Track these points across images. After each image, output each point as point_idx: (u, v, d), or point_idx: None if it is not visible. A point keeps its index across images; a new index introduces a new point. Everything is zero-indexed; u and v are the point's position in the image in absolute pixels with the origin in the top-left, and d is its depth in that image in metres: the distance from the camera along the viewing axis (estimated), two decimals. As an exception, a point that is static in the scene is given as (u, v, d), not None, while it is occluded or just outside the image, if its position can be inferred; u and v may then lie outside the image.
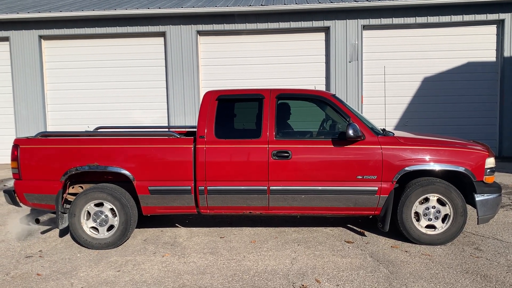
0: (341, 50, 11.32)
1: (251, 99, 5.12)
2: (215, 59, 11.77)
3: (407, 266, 4.15)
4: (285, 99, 5.13)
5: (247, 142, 4.87)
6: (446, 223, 4.70)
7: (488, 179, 4.74)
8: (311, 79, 11.55)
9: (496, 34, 11.08)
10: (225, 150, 4.86)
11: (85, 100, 11.97)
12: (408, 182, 4.82)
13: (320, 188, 4.79)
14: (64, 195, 5.01)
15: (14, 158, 5.01)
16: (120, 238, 4.89)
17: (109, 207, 4.90)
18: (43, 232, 5.55)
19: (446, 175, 4.83)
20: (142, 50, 11.81)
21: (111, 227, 4.92)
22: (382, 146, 4.72)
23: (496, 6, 10.78)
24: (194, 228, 5.58)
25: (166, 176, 4.89)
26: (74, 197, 5.10)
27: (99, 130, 6.11)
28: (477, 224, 4.84)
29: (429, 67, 11.21)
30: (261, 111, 4.96)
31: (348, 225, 5.49)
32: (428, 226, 4.75)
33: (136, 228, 5.66)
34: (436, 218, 4.72)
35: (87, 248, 4.89)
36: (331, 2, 11.06)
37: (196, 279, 3.97)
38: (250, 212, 5.05)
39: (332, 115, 5.10)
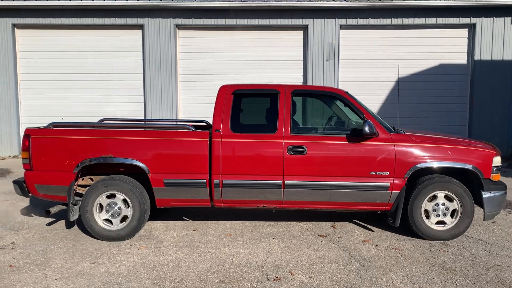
0: (319, 49, 11.47)
1: (267, 94, 5.17)
2: (194, 54, 11.74)
3: (378, 259, 4.30)
4: (300, 95, 5.21)
5: (262, 137, 4.94)
6: (455, 219, 4.85)
7: (494, 177, 4.92)
8: (289, 77, 11.66)
9: (468, 38, 11.44)
10: (240, 144, 4.90)
11: (59, 92, 11.74)
12: (418, 178, 4.95)
13: (334, 183, 4.87)
14: (74, 186, 4.95)
15: (25, 148, 4.94)
16: (134, 230, 4.89)
17: (122, 198, 4.89)
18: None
19: (453, 173, 4.99)
20: (119, 42, 11.66)
21: (124, 219, 4.91)
22: (395, 143, 4.84)
23: (468, 10, 11.12)
24: (170, 221, 5.60)
25: (181, 169, 4.90)
26: (83, 189, 5.08)
27: (103, 122, 5.97)
28: (483, 220, 5.01)
29: (403, 67, 11.47)
30: (276, 107, 5.01)
31: (321, 220, 5.63)
32: (437, 222, 4.88)
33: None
34: (445, 214, 4.86)
35: (100, 240, 4.87)
36: (310, 1, 11.18)
37: (172, 271, 4.01)
38: (264, 206, 5.09)
39: (344, 112, 5.17)
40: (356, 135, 4.85)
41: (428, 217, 4.88)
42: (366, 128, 4.66)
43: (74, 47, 11.68)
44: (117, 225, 4.89)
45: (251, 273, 3.95)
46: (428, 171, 4.95)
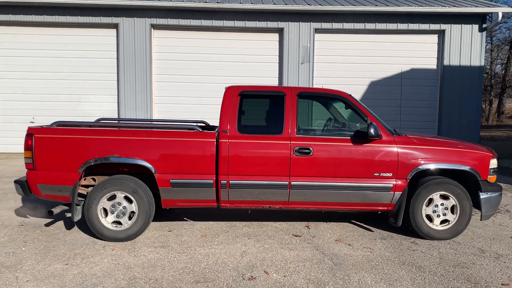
0: (294, 52, 11.60)
1: (273, 96, 5.21)
2: (169, 54, 11.68)
3: (350, 258, 4.40)
4: (305, 97, 5.25)
5: (269, 138, 4.98)
6: (454, 219, 5.02)
7: (491, 178, 5.11)
8: (265, 79, 11.75)
9: (438, 43, 11.80)
10: (247, 144, 4.94)
11: (31, 91, 11.48)
12: (419, 179, 5.07)
13: (339, 184, 4.95)
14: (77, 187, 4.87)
15: (28, 147, 4.82)
16: (139, 231, 4.87)
17: (128, 197, 4.85)
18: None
19: (452, 174, 5.15)
20: (93, 41, 11.49)
21: (130, 218, 4.88)
22: (397, 145, 4.97)
23: (438, 17, 11.49)
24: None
25: (188, 170, 4.88)
26: (85, 189, 5.00)
27: (101, 122, 5.84)
28: (480, 220, 5.21)
29: (375, 71, 11.74)
30: (282, 108, 5.06)
31: (296, 220, 5.71)
32: (441, 222, 5.02)
33: (85, 222, 5.57)
34: (445, 214, 5.01)
35: (105, 240, 4.81)
36: (285, 4, 11.30)
37: (147, 271, 4.00)
38: (270, 207, 5.12)
39: (349, 114, 5.24)
40: (361, 137, 4.96)
41: (430, 218, 5.03)
42: (372, 130, 4.78)
43: (46, 45, 11.44)
44: (125, 223, 4.86)
45: (226, 273, 3.98)
46: (429, 172, 5.11)
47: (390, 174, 4.95)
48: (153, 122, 5.70)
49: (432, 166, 4.99)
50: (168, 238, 4.97)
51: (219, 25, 11.49)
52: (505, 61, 30.06)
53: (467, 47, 11.63)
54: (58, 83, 11.50)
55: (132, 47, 11.41)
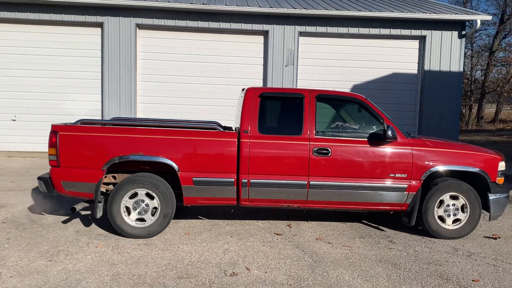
0: (278, 54, 11.74)
1: (292, 98, 5.35)
2: (155, 54, 11.69)
3: (329, 256, 4.55)
4: (323, 99, 5.39)
5: (289, 139, 5.12)
6: (464, 219, 5.22)
7: (499, 180, 5.35)
8: (249, 80, 11.84)
9: (419, 49, 12.07)
10: (268, 145, 5.08)
11: (13, 88, 11.34)
12: (431, 180, 5.25)
13: (356, 184, 5.12)
14: None
15: (52, 144, 4.87)
16: (160, 228, 4.98)
17: (150, 194, 4.94)
18: None
19: (462, 176, 5.35)
20: (78, 39, 11.41)
21: (153, 215, 4.98)
22: (412, 147, 5.17)
23: (419, 23, 11.76)
24: (128, 220, 5.62)
25: (210, 168, 5.01)
26: (106, 186, 5.09)
27: (115, 121, 5.81)
28: (489, 220, 5.42)
29: (358, 75, 11.95)
30: (301, 110, 5.20)
31: (278, 219, 5.83)
32: (448, 222, 5.22)
33: (68, 219, 5.60)
34: (455, 214, 5.22)
35: (127, 237, 4.89)
36: (271, 7, 11.43)
37: (130, 268, 4.07)
38: (288, 206, 5.24)
39: (365, 116, 5.37)
40: (377, 139, 5.14)
41: (442, 218, 5.23)
42: (389, 132, 4.96)
43: (30, 42, 11.33)
44: (148, 220, 4.96)
45: (209, 269, 4.08)
46: (442, 174, 5.30)
47: (405, 175, 5.14)
48: (166, 122, 5.81)
49: (445, 168, 5.21)
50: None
51: (204, 26, 11.55)
52: (485, 67, 30.78)
53: (447, 53, 11.93)
54: (42, 81, 11.39)
55: (117, 47, 11.39)
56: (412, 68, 12.08)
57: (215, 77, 11.73)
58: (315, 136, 5.13)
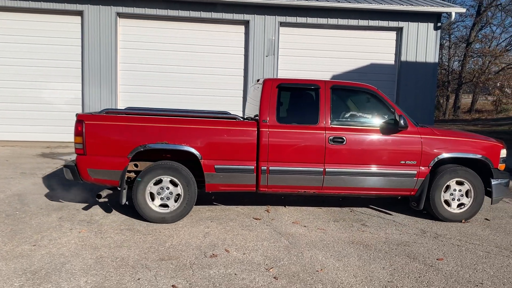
0: (260, 44, 11.88)
1: (308, 89, 5.55)
2: (136, 43, 11.70)
3: (305, 238, 4.78)
4: (338, 90, 5.59)
5: (306, 128, 5.35)
6: (468, 203, 5.55)
7: (501, 166, 5.68)
8: (230, 70, 11.99)
9: (396, 40, 12.38)
10: (286, 133, 5.31)
11: (-10, 76, 11.24)
12: (438, 167, 5.53)
13: (369, 170, 5.40)
14: None
15: (78, 133, 5.02)
16: (183, 213, 5.18)
17: (174, 181, 5.14)
18: None
19: (466, 162, 5.65)
20: (57, 28, 11.34)
21: (176, 201, 5.18)
22: (421, 136, 5.45)
23: (396, 14, 12.04)
24: (110, 207, 5.74)
25: (231, 156, 5.22)
26: (128, 174, 5.26)
27: (129, 110, 5.98)
28: (491, 204, 5.75)
29: (337, 65, 12.20)
30: (317, 100, 5.43)
31: (257, 204, 6.04)
32: (454, 206, 5.55)
33: (50, 206, 5.70)
34: (459, 200, 5.55)
35: (150, 222, 5.11)
36: (252, -4, 11.54)
37: (113, 251, 4.22)
38: (305, 192, 5.47)
39: (377, 106, 5.58)
40: (389, 128, 5.40)
41: (447, 203, 5.56)
42: (402, 122, 5.28)
43: (8, 30, 11.21)
44: (169, 207, 5.14)
45: (189, 252, 4.26)
46: (449, 160, 5.59)
47: (414, 162, 5.43)
48: (180, 112, 6.03)
49: (452, 155, 5.52)
50: (133, 221, 5.18)
51: (185, 15, 11.59)
52: (462, 58, 31.45)
53: (423, 45, 12.26)
54: (20, 69, 11.30)
55: (97, 35, 11.35)
56: (390, 59, 12.38)
57: (197, 67, 11.83)
58: (330, 125, 5.37)
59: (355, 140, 5.38)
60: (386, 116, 5.52)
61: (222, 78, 11.99)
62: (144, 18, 11.67)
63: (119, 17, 11.55)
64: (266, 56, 11.90)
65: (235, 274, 3.76)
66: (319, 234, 4.94)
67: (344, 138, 5.34)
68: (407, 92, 12.32)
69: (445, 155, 5.49)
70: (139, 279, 3.62)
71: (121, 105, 11.72)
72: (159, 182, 5.15)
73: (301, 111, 5.57)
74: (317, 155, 5.32)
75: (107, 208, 5.69)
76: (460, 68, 31.59)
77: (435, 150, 5.46)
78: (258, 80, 5.98)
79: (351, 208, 6.10)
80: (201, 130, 5.20)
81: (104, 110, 5.41)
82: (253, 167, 5.26)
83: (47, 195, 6.22)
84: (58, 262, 3.91)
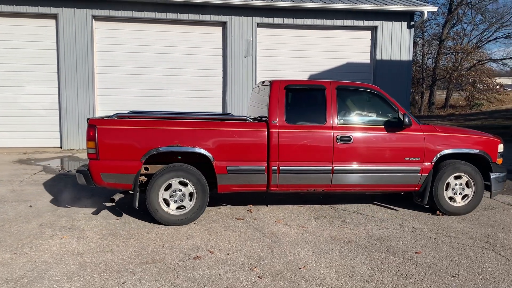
0: (237, 45, 11.93)
1: (315, 89, 5.64)
2: (112, 46, 11.59)
3: (287, 236, 4.86)
4: (343, 90, 5.69)
5: (314, 127, 5.48)
6: (470, 197, 5.77)
7: (499, 160, 5.92)
8: (209, 71, 12.00)
9: (371, 39, 12.61)
10: (295, 133, 5.41)
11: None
12: (440, 162, 5.72)
13: (375, 168, 5.56)
14: None
15: (90, 138, 5.00)
16: (196, 215, 5.23)
17: (187, 183, 5.19)
18: None
19: (466, 157, 5.86)
20: (31, 31, 11.14)
21: (187, 204, 5.22)
22: (424, 133, 5.64)
23: (370, 14, 12.26)
24: (92, 212, 5.70)
25: (242, 157, 5.29)
26: (140, 177, 5.26)
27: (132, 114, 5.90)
28: (490, 197, 6.04)
29: (314, 65, 12.35)
30: (324, 100, 5.55)
31: (239, 205, 6.09)
32: (456, 200, 5.77)
33: (29, 213, 5.63)
34: (460, 193, 5.76)
35: (163, 224, 5.14)
36: (228, -2, 11.58)
37: (96, 256, 4.20)
38: (314, 190, 5.56)
39: (381, 105, 5.74)
40: (394, 126, 5.58)
41: (451, 197, 5.75)
42: (406, 120, 5.45)
43: (-21, 34, 10.97)
44: (182, 210, 5.20)
45: (173, 254, 4.28)
46: (451, 156, 5.80)
47: (418, 159, 5.61)
48: (185, 114, 6.11)
49: (453, 151, 5.72)
50: (116, 226, 5.17)
51: (162, 17, 11.55)
52: (435, 55, 32.17)
53: (397, 43, 12.52)
54: (-7, 74, 11.07)
55: (72, 39, 11.20)
56: (365, 58, 12.61)
57: (175, 68, 11.81)
58: (337, 125, 5.50)
59: (362, 139, 5.52)
60: (389, 115, 5.69)
61: (201, 79, 12.00)
62: (120, 21, 11.58)
63: (95, 19, 11.42)
64: (245, 57, 11.96)
65: (220, 275, 3.81)
66: (301, 232, 5.02)
67: (351, 136, 5.48)
68: (383, 89, 12.51)
69: (447, 151, 5.68)
70: (123, 283, 3.63)
71: (99, 109, 11.60)
72: (170, 185, 5.19)
73: (309, 111, 5.68)
74: (326, 154, 5.45)
75: (88, 213, 5.65)
76: (433, 65, 32.32)
77: (437, 147, 5.66)
78: (263, 82, 6.08)
79: (331, 205, 6.21)
80: (213, 132, 5.27)
81: (115, 114, 5.40)
82: (264, 167, 5.35)
83: (25, 202, 6.13)
84: (40, 270, 3.88)
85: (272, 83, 5.61)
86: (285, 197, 6.58)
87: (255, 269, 3.94)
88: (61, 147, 11.50)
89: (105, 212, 5.69)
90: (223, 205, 6.11)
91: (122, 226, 5.14)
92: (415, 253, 4.42)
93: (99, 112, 11.58)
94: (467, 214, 5.83)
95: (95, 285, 3.58)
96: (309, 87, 5.74)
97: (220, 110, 12.12)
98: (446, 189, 5.74)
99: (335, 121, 5.52)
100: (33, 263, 4.01)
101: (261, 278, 3.76)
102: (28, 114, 11.24)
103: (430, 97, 31.80)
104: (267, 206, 6.11)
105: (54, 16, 11.15)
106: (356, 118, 5.73)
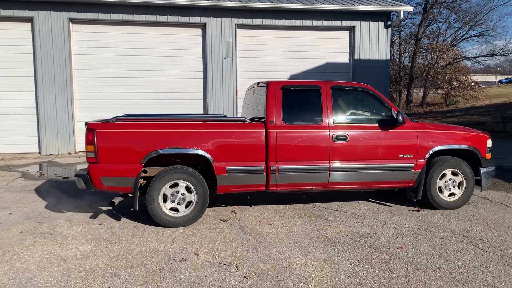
0: (217, 47, 11.93)
1: (310, 90, 5.74)
2: (90, 49, 11.45)
3: (272, 236, 4.90)
4: (337, 90, 5.77)
5: (311, 127, 5.56)
6: (462, 191, 5.94)
7: (488, 156, 6.12)
8: (190, 73, 11.97)
9: (349, 39, 12.78)
10: (292, 133, 5.47)
11: None
12: (433, 159, 5.86)
13: (371, 165, 5.67)
14: None
15: (89, 142, 4.95)
16: (197, 216, 5.27)
17: (186, 186, 5.21)
18: None
19: (457, 153, 6.02)
20: (6, 35, 10.91)
21: (188, 205, 5.24)
22: (417, 130, 5.79)
23: (348, 14, 12.43)
24: (74, 218, 5.64)
25: (241, 158, 5.33)
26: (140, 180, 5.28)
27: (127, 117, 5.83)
28: (480, 191, 6.31)
29: (294, 65, 12.44)
30: (320, 100, 5.64)
31: (221, 205, 6.11)
32: (448, 195, 5.93)
33: (9, 220, 5.53)
34: (450, 189, 5.92)
35: (165, 226, 5.17)
36: (207, -1, 11.58)
37: (80, 262, 4.16)
38: (312, 188, 5.62)
39: (374, 104, 5.85)
40: (388, 124, 5.70)
41: (441, 191, 5.91)
42: (400, 118, 5.58)
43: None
44: (182, 211, 5.21)
45: (158, 257, 4.27)
46: (443, 152, 5.94)
47: (411, 155, 5.74)
48: (181, 117, 6.14)
49: (445, 147, 5.86)
50: (99, 230, 5.12)
51: (141, 19, 11.47)
52: (412, 54, 32.76)
53: (375, 42, 12.72)
54: (-33, 79, 10.81)
55: (49, 42, 11.02)
56: (344, 58, 12.77)
57: (156, 71, 11.75)
58: (333, 124, 5.59)
59: (357, 137, 5.63)
60: (383, 113, 5.81)
61: (181, 81, 11.95)
62: (98, 23, 11.45)
63: (72, 22, 11.27)
64: (225, 58, 11.97)
65: (206, 276, 3.82)
66: (285, 231, 5.07)
67: (347, 135, 5.58)
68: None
69: (439, 147, 5.84)
70: (109, 287, 3.61)
71: (78, 113, 11.44)
72: (173, 186, 5.20)
73: (305, 111, 5.75)
74: (323, 152, 5.53)
75: (71, 218, 5.58)
76: (410, 64, 32.91)
77: (430, 143, 5.81)
78: (258, 83, 6.11)
79: (314, 204, 6.28)
80: (212, 133, 5.31)
81: (114, 117, 5.38)
82: (263, 167, 5.40)
83: (5, 209, 6.02)
84: (22, 277, 3.82)
85: (269, 84, 5.66)
86: (268, 197, 6.62)
87: (241, 270, 3.96)
88: (39, 153, 11.30)
89: (87, 218, 5.62)
90: (207, 207, 6.10)
91: (105, 231, 5.09)
92: (397, 248, 4.51)
93: (79, 117, 11.42)
94: (447, 210, 5.97)
95: (80, 291, 3.55)
96: (304, 87, 5.82)
97: (201, 111, 12.10)
98: (439, 185, 5.89)
99: (331, 120, 5.61)
100: (15, 271, 3.95)
101: (247, 278, 3.79)
102: (5, 119, 11.01)
103: (408, 95, 32.36)
104: (251, 206, 6.14)
105: (30, 20, 10.95)
106: (351, 117, 5.84)
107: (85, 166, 9.49)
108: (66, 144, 11.29)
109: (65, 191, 7.01)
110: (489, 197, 6.71)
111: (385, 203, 6.35)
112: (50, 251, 4.46)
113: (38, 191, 7.17)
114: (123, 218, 5.59)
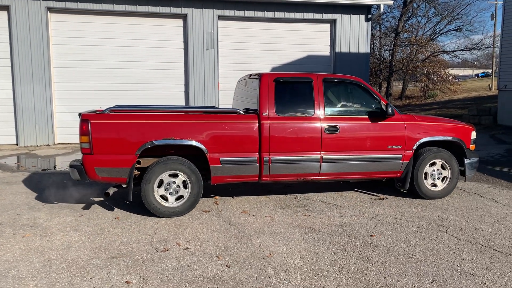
0: (199, 38, 11.87)
1: (302, 82, 5.83)
2: (69, 39, 11.24)
3: (253, 226, 4.97)
4: (329, 82, 5.86)
5: (303, 119, 5.67)
6: (446, 181, 6.14)
7: (472, 147, 6.32)
8: (171, 64, 11.88)
9: (330, 32, 12.86)
10: (285, 125, 5.56)
11: None
12: (419, 149, 6.02)
13: (361, 156, 5.80)
14: None
15: (83, 133, 4.92)
16: (191, 206, 5.31)
17: (183, 177, 5.24)
18: None
19: (442, 144, 6.21)
20: (-19, 24, 10.65)
21: (180, 197, 5.28)
22: (405, 122, 5.95)
23: (329, 7, 12.50)
24: (54, 210, 5.60)
25: (235, 149, 5.40)
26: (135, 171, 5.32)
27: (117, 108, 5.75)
28: (465, 181, 6.53)
29: (276, 58, 12.46)
30: (311, 92, 5.73)
31: (204, 197, 6.15)
32: (433, 185, 6.15)
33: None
34: (438, 178, 6.12)
35: (160, 217, 5.21)
36: (188, -10, 11.48)
37: (61, 253, 4.16)
38: (304, 179, 5.73)
39: (364, 96, 5.97)
40: (377, 116, 5.84)
41: (426, 179, 6.10)
42: (389, 110, 5.75)
43: None
44: (171, 202, 5.25)
45: (141, 248, 4.30)
46: (429, 143, 6.13)
47: (400, 146, 5.90)
48: (176, 108, 6.40)
49: (432, 139, 6.05)
50: (80, 222, 5.10)
51: (121, 9, 11.31)
52: (392, 47, 33.16)
53: (355, 36, 12.84)
54: None
55: (26, 31, 10.79)
56: (325, 50, 12.85)
57: (136, 62, 11.63)
58: (325, 116, 5.69)
59: (348, 128, 5.76)
60: (373, 106, 5.96)
61: (162, 72, 11.86)
62: (77, 13, 11.25)
63: (50, 12, 11.04)
64: (206, 50, 11.92)
65: (188, 266, 3.87)
66: (266, 221, 5.15)
67: (338, 126, 5.69)
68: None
69: (426, 138, 6.02)
70: (91, 278, 3.63)
71: (57, 104, 11.26)
72: (172, 176, 5.25)
73: (297, 103, 5.82)
74: (314, 143, 5.63)
75: (51, 210, 5.54)
76: (390, 57, 33.31)
77: (417, 135, 5.97)
78: (250, 75, 6.15)
79: (295, 195, 6.38)
80: (206, 124, 5.36)
81: (108, 108, 5.36)
82: (256, 158, 5.47)
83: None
84: (3, 269, 3.80)
85: (262, 76, 5.72)
86: (250, 188, 6.69)
87: (222, 259, 4.02)
88: (17, 144, 11.10)
89: (68, 210, 5.59)
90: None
91: (86, 222, 5.08)
92: (375, 237, 4.64)
93: (58, 108, 11.25)
94: (423, 199, 6.14)
95: (62, 282, 3.56)
96: (297, 79, 5.90)
97: (182, 103, 12.04)
98: (425, 175, 6.08)
99: (323, 112, 5.71)
100: (-5, 263, 3.92)
101: (229, 267, 3.85)
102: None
103: (388, 88, 32.78)
104: (233, 197, 6.20)
105: (6, 8, 10.69)
106: (342, 109, 5.99)
107: (65, 158, 9.42)
108: (44, 136, 11.11)
109: (45, 183, 6.94)
110: (464, 187, 6.92)
111: (372, 193, 6.49)
112: (31, 242, 4.44)
113: (17, 183, 7.07)
114: (105, 209, 5.58)
